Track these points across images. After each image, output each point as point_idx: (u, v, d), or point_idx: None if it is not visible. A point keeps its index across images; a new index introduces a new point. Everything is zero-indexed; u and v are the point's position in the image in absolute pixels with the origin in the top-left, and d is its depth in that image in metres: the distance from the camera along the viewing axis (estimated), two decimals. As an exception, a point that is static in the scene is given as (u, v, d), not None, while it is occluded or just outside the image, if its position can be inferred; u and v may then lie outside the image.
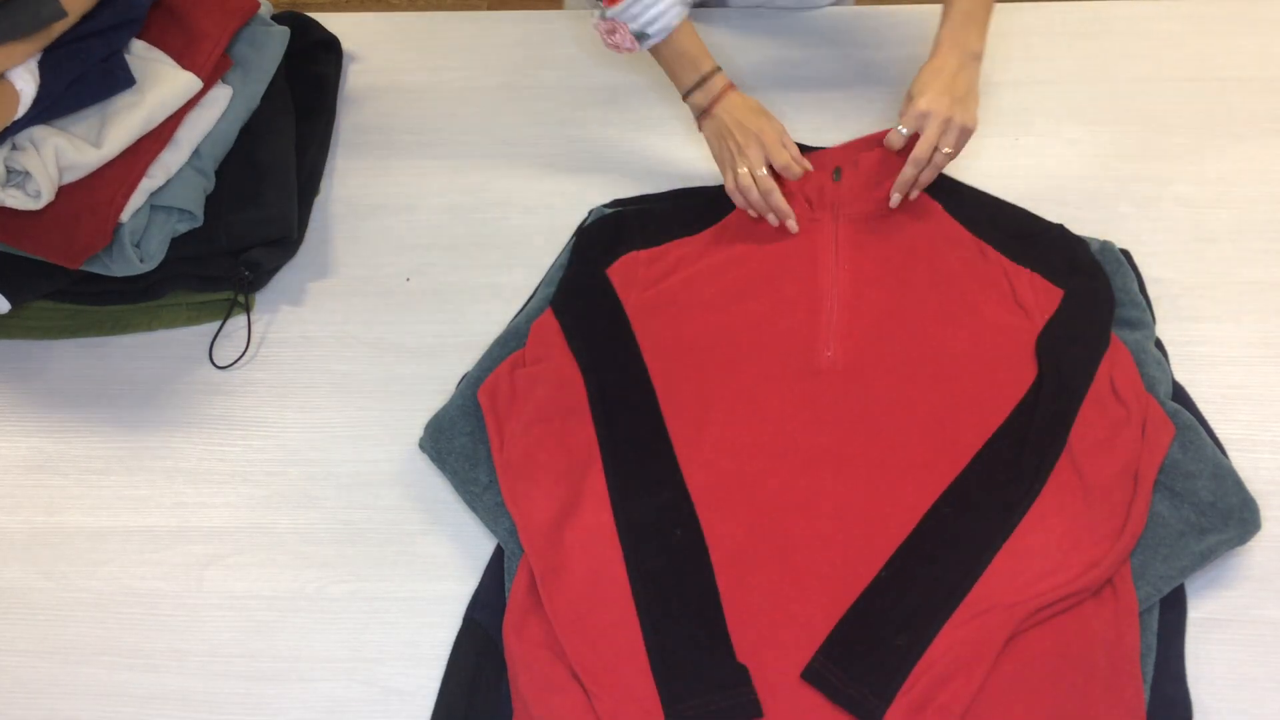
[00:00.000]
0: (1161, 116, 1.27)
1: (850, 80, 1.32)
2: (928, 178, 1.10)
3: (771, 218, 1.13)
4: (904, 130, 1.08)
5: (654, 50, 1.13)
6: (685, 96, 1.14)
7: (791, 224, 1.12)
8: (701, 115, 1.14)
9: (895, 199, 1.11)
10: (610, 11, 1.10)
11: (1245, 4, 1.36)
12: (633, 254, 1.14)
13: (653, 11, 1.09)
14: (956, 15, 1.11)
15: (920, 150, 1.08)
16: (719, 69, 1.13)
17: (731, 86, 1.13)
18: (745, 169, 1.11)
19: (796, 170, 1.11)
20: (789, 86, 1.32)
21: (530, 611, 0.95)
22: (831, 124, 1.28)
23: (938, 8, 1.14)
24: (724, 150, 1.13)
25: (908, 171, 1.09)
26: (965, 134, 1.09)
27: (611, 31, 1.12)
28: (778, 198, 1.11)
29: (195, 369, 1.17)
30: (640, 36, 1.11)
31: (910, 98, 1.09)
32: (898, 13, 1.38)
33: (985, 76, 1.31)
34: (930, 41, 1.12)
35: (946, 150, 1.08)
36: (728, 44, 1.36)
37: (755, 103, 1.13)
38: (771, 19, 1.38)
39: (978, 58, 1.11)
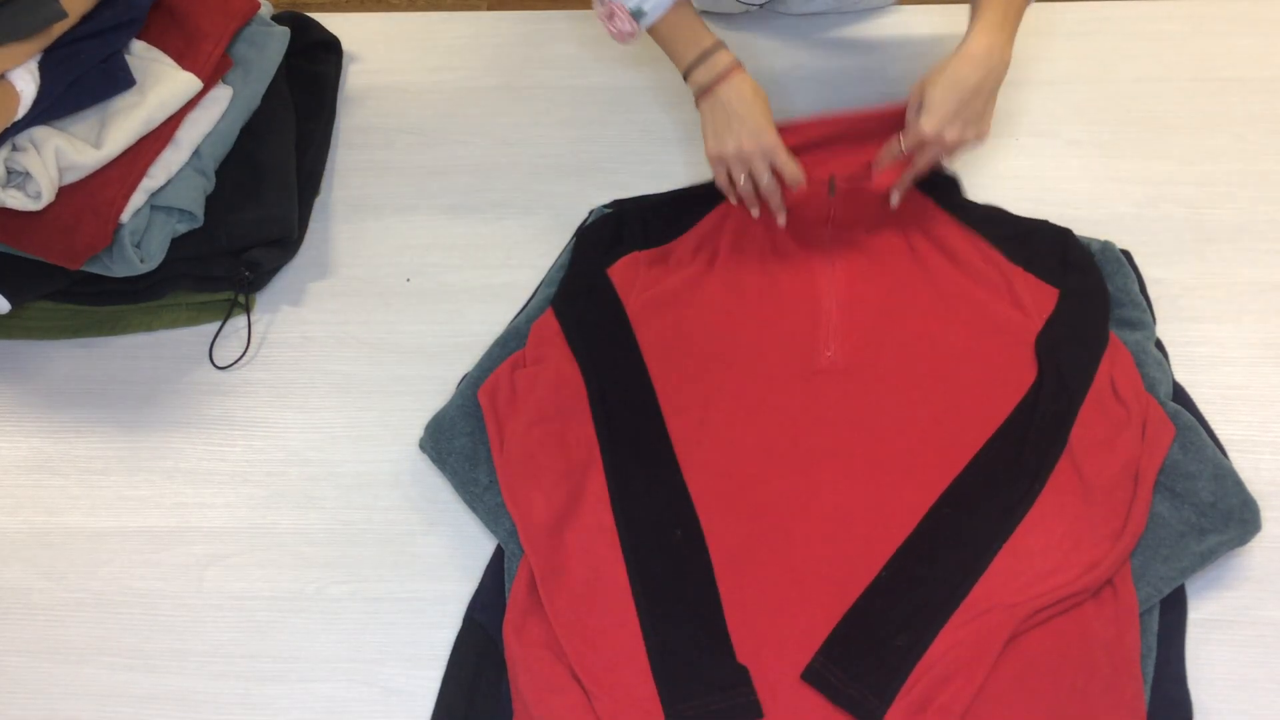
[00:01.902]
0: (1161, 116, 1.27)
1: (869, 81, 1.33)
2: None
3: (755, 211, 1.12)
4: (905, 148, 1.06)
5: (652, 30, 1.09)
6: (687, 75, 1.10)
7: (781, 218, 1.11)
8: (702, 93, 1.09)
9: (895, 198, 1.11)
10: None
11: (1246, 4, 1.36)
12: (634, 254, 1.14)
13: None
14: (994, 12, 1.02)
15: (920, 168, 1.07)
16: (722, 44, 1.09)
17: (738, 66, 1.08)
18: (746, 175, 1.09)
19: (802, 181, 1.09)
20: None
21: (530, 612, 0.95)
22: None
23: (952, 9, 1.12)
24: (723, 136, 1.08)
25: (906, 178, 1.09)
26: (976, 144, 1.06)
27: (611, 16, 1.07)
28: (778, 198, 1.11)
29: (195, 369, 1.17)
30: (637, 14, 1.06)
31: (919, 101, 1.04)
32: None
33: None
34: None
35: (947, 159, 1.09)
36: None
37: (762, 93, 1.09)
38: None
39: (1007, 64, 1.04)
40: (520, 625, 0.94)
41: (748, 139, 1.07)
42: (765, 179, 1.09)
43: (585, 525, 0.98)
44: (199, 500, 1.09)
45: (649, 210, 1.18)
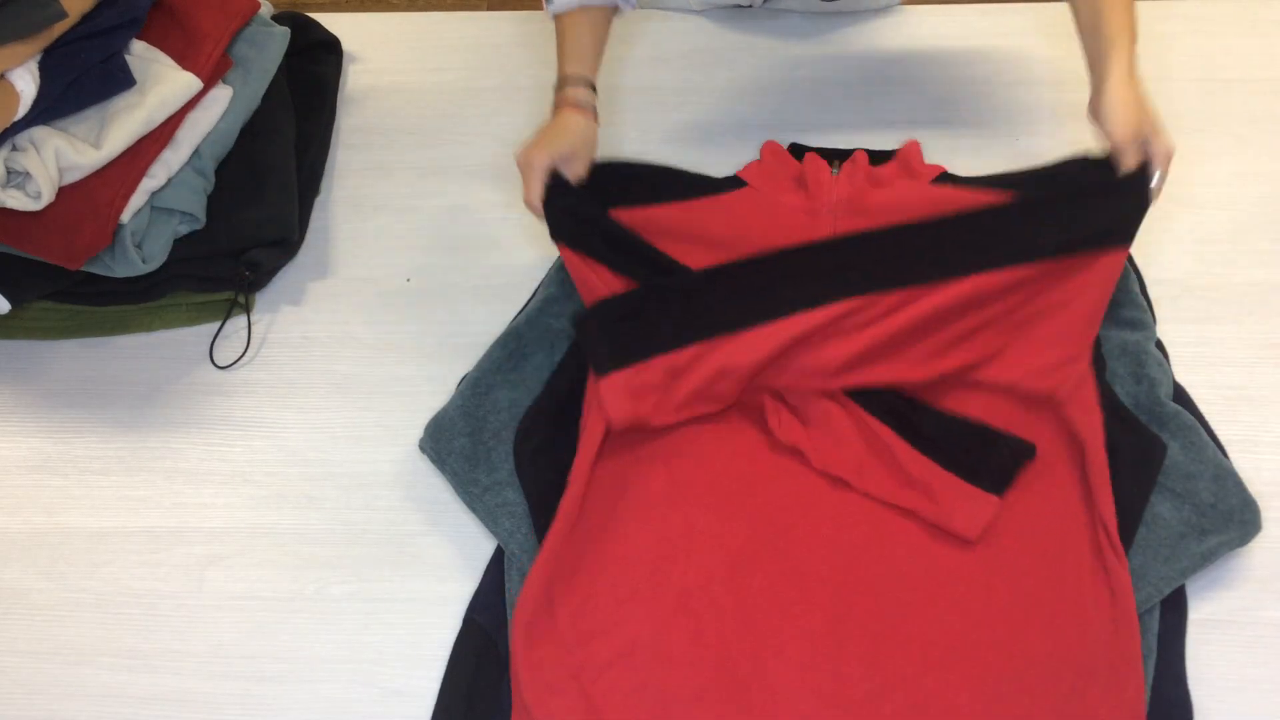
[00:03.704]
0: (1162, 117, 1.27)
1: (869, 83, 1.33)
2: None
3: None
4: (1158, 173, 1.02)
5: (556, 22, 1.09)
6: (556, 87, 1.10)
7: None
8: (553, 108, 1.08)
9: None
10: None
11: (1246, 5, 1.36)
12: (614, 211, 1.08)
13: None
14: (1124, 44, 1.03)
15: (1159, 185, 1.02)
16: (583, 79, 1.08)
17: (575, 106, 1.06)
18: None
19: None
20: (806, 87, 1.32)
21: (540, 611, 0.94)
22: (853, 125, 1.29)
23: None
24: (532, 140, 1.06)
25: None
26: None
27: None
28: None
29: (195, 369, 1.17)
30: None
31: (1132, 138, 1.01)
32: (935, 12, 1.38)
33: (986, 78, 1.32)
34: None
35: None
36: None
37: (581, 130, 1.06)
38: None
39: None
40: (530, 624, 0.93)
41: (528, 148, 1.04)
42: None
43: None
44: (199, 500, 1.09)
45: (633, 174, 1.12)
